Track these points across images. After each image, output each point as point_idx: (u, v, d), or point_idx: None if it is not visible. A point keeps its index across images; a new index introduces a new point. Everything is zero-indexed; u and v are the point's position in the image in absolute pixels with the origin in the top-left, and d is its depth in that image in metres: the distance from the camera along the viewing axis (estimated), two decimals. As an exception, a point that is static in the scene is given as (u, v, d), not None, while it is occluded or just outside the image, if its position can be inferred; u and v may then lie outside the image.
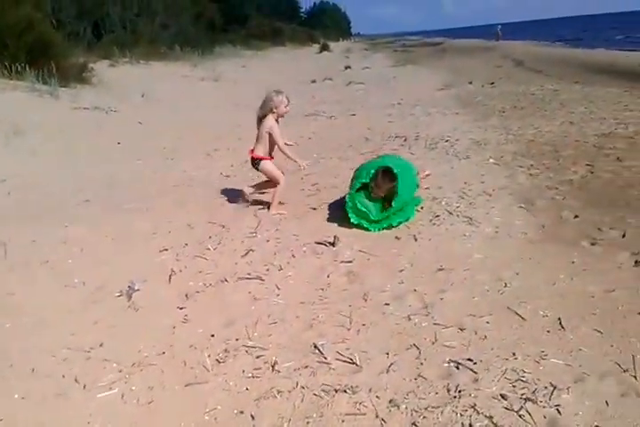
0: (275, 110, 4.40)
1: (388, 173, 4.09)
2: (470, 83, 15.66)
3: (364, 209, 4.06)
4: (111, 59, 17.04)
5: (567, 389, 2.34)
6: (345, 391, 2.31)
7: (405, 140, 8.03)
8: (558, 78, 15.42)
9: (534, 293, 3.29)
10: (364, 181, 4.16)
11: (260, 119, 4.45)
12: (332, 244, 3.93)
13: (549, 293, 3.30)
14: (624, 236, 4.19)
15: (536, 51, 28.44)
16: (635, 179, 5.67)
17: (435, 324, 2.90)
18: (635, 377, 2.42)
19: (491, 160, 6.67)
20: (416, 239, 4.06)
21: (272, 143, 4.50)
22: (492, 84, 15.00)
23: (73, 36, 17.39)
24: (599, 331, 2.85)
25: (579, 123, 8.66)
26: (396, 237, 4.11)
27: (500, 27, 46.72)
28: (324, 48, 49.09)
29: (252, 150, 4.61)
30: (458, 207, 4.68)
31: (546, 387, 2.34)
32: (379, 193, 4.13)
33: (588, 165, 6.28)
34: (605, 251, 3.95)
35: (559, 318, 2.96)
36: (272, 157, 4.65)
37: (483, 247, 3.97)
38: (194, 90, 15.22)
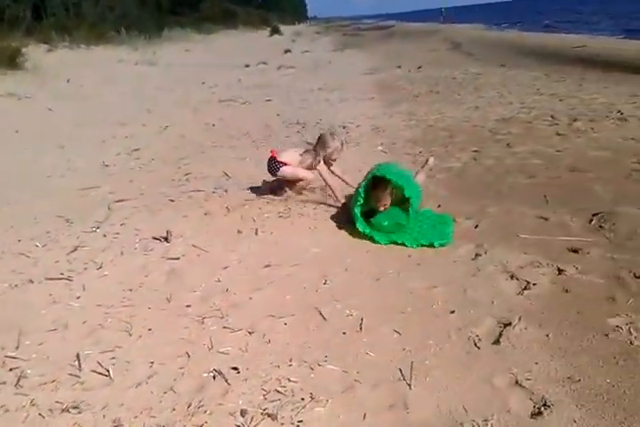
0: (323, 153, 4.28)
1: (379, 184, 3.76)
2: (399, 67, 15.52)
3: (390, 223, 3.82)
4: (50, 43, 16.15)
5: (327, 400, 2.14)
6: (70, 410, 2.06)
7: (304, 126, 7.79)
8: (487, 62, 15.45)
9: (353, 290, 3.11)
10: (358, 202, 3.82)
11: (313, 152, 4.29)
12: (166, 239, 3.65)
13: (369, 290, 3.14)
14: (476, 227, 4.06)
15: (477, 34, 28.55)
16: (515, 165, 5.59)
17: (224, 327, 2.66)
18: (410, 386, 2.25)
19: (379, 148, 6.49)
20: (257, 233, 3.80)
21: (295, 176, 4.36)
22: (420, 68, 14.91)
23: (12, 20, 16.34)
24: (399, 332, 2.68)
25: (484, 107, 8.59)
26: (239, 231, 3.86)
27: (443, 9, 46.65)
28: (275, 31, 48.22)
29: (275, 151, 4.35)
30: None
31: (303, 399, 2.15)
32: (384, 203, 3.86)
33: (475, 151, 6.18)
34: (453, 243, 3.79)
35: (362, 318, 2.76)
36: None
37: (324, 241, 3.77)
38: (124, 74, 14.59)
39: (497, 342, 2.63)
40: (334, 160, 4.25)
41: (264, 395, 2.16)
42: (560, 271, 3.29)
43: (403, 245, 3.67)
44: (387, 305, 2.96)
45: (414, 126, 7.64)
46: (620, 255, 3.46)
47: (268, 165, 4.25)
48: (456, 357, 2.52)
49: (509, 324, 2.76)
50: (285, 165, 4.18)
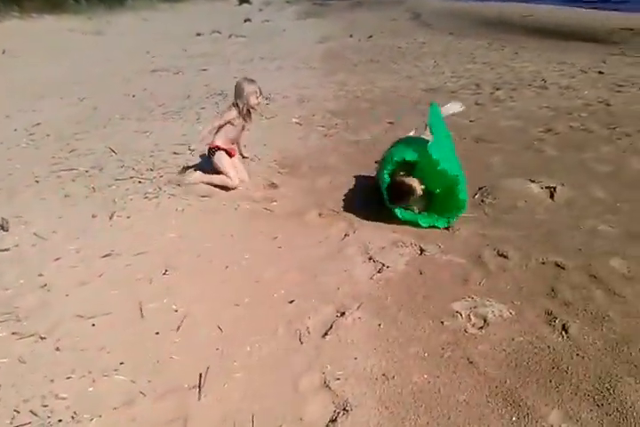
0: (240, 102, 3.91)
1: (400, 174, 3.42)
2: (351, 36, 15.00)
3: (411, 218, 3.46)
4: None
5: (92, 420, 1.89)
6: None
7: (226, 97, 7.35)
8: (439, 31, 15.05)
9: (193, 281, 2.89)
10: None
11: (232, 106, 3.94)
12: (2, 227, 3.30)
13: (212, 280, 2.91)
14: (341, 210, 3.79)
15: (441, 5, 27.79)
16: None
17: (13, 333, 2.39)
18: (200, 395, 1.99)
19: (294, 120, 6.14)
20: (112, 217, 3.47)
21: (234, 135, 4.05)
22: (370, 37, 14.43)
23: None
24: (221, 329, 2.43)
25: (417, 77, 8.29)
26: (93, 216, 3.53)
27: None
28: (244, 1, 46.76)
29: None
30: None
31: (60, 420, 1.90)
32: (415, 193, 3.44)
33: (390, 122, 5.89)
34: (326, 222, 3.54)
35: (185, 316, 2.50)
36: (232, 152, 4.09)
37: (186, 225, 3.48)
38: (67, 45, 13.86)
39: (325, 334, 2.38)
40: (255, 108, 3.99)
41: (12, 418, 1.87)
42: (422, 251, 3.07)
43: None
44: (223, 297, 2.70)
45: (341, 97, 7.30)
46: (492, 231, 3.28)
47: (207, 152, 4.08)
48: (273, 355, 2.29)
49: (344, 313, 2.50)
50: (219, 149, 3.97)
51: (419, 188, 3.38)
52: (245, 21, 24.89)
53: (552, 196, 3.69)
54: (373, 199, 3.72)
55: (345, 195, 3.95)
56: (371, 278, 2.83)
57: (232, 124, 3.92)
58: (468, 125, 5.50)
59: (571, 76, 7.42)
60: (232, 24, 22.23)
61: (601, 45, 10.56)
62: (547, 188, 3.74)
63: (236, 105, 3.86)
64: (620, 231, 3.21)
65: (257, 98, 3.91)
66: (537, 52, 9.67)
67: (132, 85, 8.78)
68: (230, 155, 3.99)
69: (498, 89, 6.91)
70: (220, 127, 3.91)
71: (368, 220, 3.51)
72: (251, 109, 3.96)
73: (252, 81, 3.90)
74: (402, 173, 3.47)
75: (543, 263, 2.92)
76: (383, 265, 2.93)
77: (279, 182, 4.20)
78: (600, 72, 7.60)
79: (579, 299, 2.57)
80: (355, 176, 4.31)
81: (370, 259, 3.02)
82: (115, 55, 12.45)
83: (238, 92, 3.87)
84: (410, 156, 3.40)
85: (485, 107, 6.17)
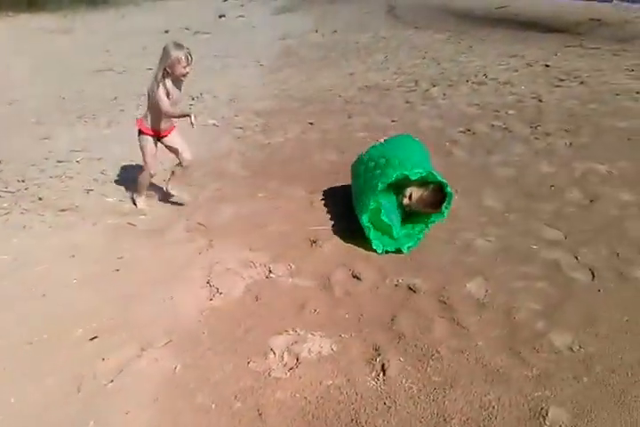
0: (168, 70, 3.15)
1: (438, 191, 2.93)
2: (316, 31, 14.63)
3: (387, 221, 2.92)
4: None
5: None
6: None
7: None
8: (405, 24, 14.71)
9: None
10: (390, 181, 2.90)
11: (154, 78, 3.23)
12: None
13: (26, 310, 2.49)
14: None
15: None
16: (332, 142, 4.96)
17: None
18: None
19: (211, 121, 5.79)
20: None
21: (157, 112, 3.31)
22: (335, 32, 14.05)
23: None
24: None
25: (361, 73, 7.95)
26: None
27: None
28: (231, -6, 46.28)
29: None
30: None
31: None
32: (413, 206, 3.02)
33: (310, 123, 5.55)
34: (187, 239, 3.20)
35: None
36: (158, 135, 3.46)
37: (30, 243, 3.13)
38: (30, 44, 13.49)
39: (111, 381, 2.05)
40: (183, 77, 3.28)
41: None
42: (270, 272, 2.72)
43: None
44: (20, 332, 2.34)
45: (275, 96, 6.96)
46: (358, 246, 2.92)
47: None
48: (36, 407, 1.93)
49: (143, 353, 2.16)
50: (140, 132, 3.46)
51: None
52: (220, 17, 24.45)
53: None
54: (250, 210, 3.45)
55: (225, 206, 3.65)
56: (196, 308, 2.47)
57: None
58: (388, 126, 5.17)
59: (514, 70, 7.08)
60: (206, 20, 21.83)
61: (563, 36, 10.22)
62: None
63: (164, 74, 3.18)
64: (497, 246, 2.88)
65: (183, 67, 3.21)
66: (493, 45, 9.34)
67: (69, 87, 8.44)
68: (159, 135, 3.47)
69: (434, 86, 6.58)
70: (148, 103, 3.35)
71: (231, 235, 3.20)
72: (177, 79, 3.27)
73: (179, 46, 3.19)
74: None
75: (396, 286, 2.58)
76: (218, 291, 2.58)
77: (162, 191, 3.85)
78: (546, 65, 7.25)
79: (415, 330, 2.24)
80: (247, 184, 3.98)
81: (208, 283, 2.66)
82: (71, 54, 12.09)
83: (164, 56, 3.18)
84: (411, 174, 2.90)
85: (413, 105, 5.83)
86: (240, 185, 4.02)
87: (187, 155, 3.52)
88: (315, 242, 3.06)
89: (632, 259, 2.63)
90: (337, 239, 3.08)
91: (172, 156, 3.56)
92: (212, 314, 2.45)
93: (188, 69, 3.22)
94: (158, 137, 3.45)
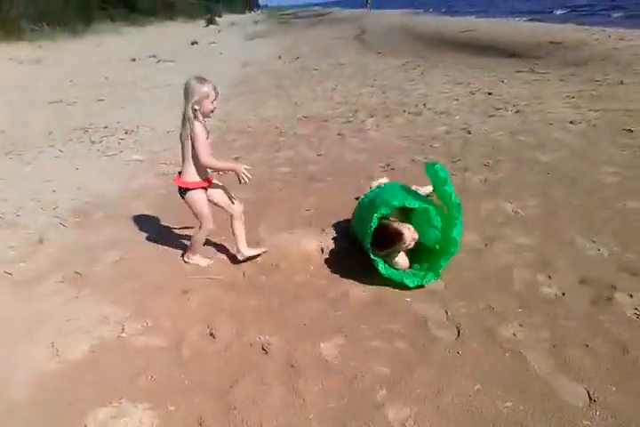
0: (196, 107, 2.79)
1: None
2: (279, 58, 14.75)
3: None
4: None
5: None
6: None
7: (87, 131, 6.89)
8: (369, 50, 14.87)
9: None
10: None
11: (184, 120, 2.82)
12: None
13: None
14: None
15: (390, 20, 27.90)
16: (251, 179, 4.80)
17: None
18: None
19: (135, 157, 5.65)
20: None
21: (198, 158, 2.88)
22: (297, 58, 14.17)
23: None
24: None
25: (304, 104, 7.94)
26: None
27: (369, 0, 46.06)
28: (210, 22, 47.14)
29: (179, 174, 2.98)
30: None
31: None
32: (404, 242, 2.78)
33: (235, 158, 5.40)
34: (57, 290, 3.00)
35: None
36: (208, 183, 3.01)
37: None
38: None
39: None
40: (212, 114, 2.92)
41: None
42: (122, 330, 2.54)
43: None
44: None
45: (215, 128, 6.82)
46: (230, 298, 2.77)
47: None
48: None
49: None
50: (189, 188, 2.95)
51: (410, 237, 2.75)
52: (193, 44, 24.68)
53: (323, 252, 3.17)
54: (136, 255, 3.33)
55: (113, 251, 3.47)
56: (28, 373, 2.27)
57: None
58: (312, 160, 5.06)
59: (455, 98, 7.04)
60: (178, 48, 22.02)
61: (518, 61, 10.31)
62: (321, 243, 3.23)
63: (194, 113, 2.79)
64: (370, 298, 2.72)
65: (212, 102, 2.87)
66: (445, 71, 9.40)
67: (17, 119, 8.33)
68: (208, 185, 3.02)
69: (372, 116, 6.52)
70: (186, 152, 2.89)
71: (101, 286, 3.01)
72: (203, 119, 2.87)
73: (202, 79, 2.86)
74: (392, 219, 2.86)
75: (251, 345, 2.39)
76: (57, 353, 2.38)
77: (52, 235, 3.67)
78: (489, 93, 7.25)
79: (249, 401, 2.05)
80: (147, 226, 3.78)
81: (52, 343, 2.46)
82: (35, 85, 11.97)
83: (189, 94, 2.80)
84: (412, 203, 2.77)
85: (344, 137, 5.75)
86: (137, 228, 3.82)
87: (237, 205, 3.11)
88: (186, 292, 2.87)
89: (506, 314, 2.46)
90: (212, 289, 2.90)
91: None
92: (40, 381, 2.25)
93: (215, 104, 2.88)
94: (206, 187, 3.00)
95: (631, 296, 2.47)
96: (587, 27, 13.99)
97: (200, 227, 3.08)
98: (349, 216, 3.44)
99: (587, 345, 2.18)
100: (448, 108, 6.56)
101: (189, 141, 2.79)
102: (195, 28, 41.18)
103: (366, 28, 24.13)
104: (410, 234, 2.74)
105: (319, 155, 5.22)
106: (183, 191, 2.95)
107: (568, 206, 3.51)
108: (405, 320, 2.49)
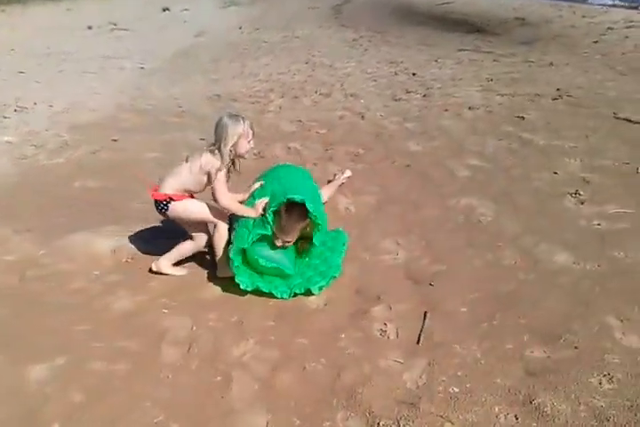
0: (232, 149, 2.54)
1: (295, 208, 2.56)
2: (240, 28, 14.18)
3: (270, 265, 2.56)
4: None
5: None
6: None
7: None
8: (334, 24, 14.29)
9: None
10: (261, 232, 2.55)
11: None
12: None
13: None
14: None
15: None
16: (121, 164, 4.54)
17: None
18: None
19: (5, 138, 5.34)
20: None
21: (196, 189, 2.72)
22: (257, 29, 13.62)
23: None
24: None
25: (224, 80, 7.73)
26: None
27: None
28: (197, -15, 45.54)
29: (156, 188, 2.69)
30: None
31: None
32: (287, 240, 2.61)
33: (113, 140, 5.13)
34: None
35: None
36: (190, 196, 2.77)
37: None
38: None
39: None
40: (244, 157, 2.70)
41: None
42: None
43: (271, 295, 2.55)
44: None
45: (118, 106, 6.46)
46: None
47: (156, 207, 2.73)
48: None
49: None
50: (173, 199, 2.66)
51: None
52: (164, 10, 23.69)
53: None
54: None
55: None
56: None
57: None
58: (195, 144, 4.74)
59: (374, 79, 6.67)
60: (146, 14, 21.21)
61: (471, 37, 9.88)
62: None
63: (218, 150, 2.56)
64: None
65: (248, 142, 2.63)
66: (390, 49, 9.03)
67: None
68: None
69: (282, 97, 6.19)
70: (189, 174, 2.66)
71: None
72: (237, 159, 2.66)
73: (238, 118, 2.57)
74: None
75: None
76: None
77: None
78: (414, 73, 6.89)
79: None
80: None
81: None
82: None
83: (220, 133, 2.55)
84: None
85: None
86: None
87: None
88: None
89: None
90: None
91: None
92: None
93: (252, 144, 2.65)
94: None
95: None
96: (560, 1, 13.41)
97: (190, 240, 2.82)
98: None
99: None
100: (361, 89, 6.24)
101: (201, 176, 2.60)
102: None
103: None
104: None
105: (202, 139, 4.90)
106: (164, 204, 2.64)
107: (400, 203, 3.27)
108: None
